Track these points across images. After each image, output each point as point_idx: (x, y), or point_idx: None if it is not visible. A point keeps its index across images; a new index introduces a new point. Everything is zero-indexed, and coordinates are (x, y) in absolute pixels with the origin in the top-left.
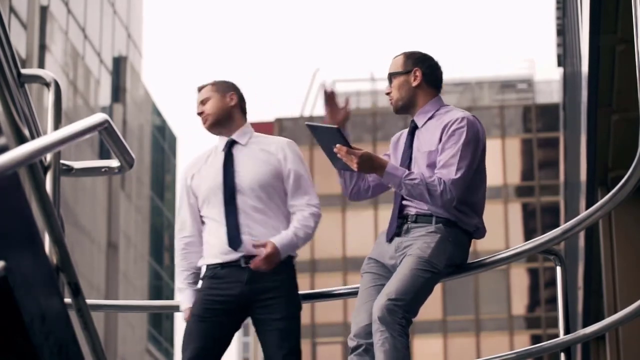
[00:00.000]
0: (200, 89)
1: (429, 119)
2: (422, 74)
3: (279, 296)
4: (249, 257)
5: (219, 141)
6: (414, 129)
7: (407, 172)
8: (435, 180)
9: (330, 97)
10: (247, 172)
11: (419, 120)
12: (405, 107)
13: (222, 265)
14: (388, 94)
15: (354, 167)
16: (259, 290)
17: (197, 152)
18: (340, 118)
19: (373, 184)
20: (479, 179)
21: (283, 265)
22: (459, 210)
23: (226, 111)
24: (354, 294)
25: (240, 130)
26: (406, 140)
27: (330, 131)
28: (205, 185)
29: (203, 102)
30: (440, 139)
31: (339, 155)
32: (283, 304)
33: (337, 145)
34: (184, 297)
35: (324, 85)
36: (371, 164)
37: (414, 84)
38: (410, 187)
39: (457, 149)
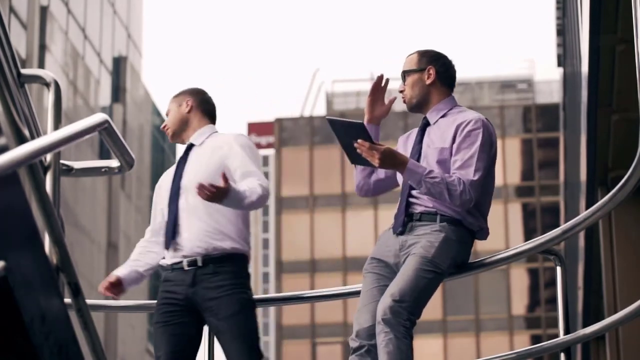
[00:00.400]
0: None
1: (442, 117)
2: (436, 72)
3: (219, 296)
4: (192, 260)
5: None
6: (425, 125)
7: (427, 169)
8: (455, 180)
9: (379, 87)
10: (193, 172)
11: (432, 117)
12: (419, 105)
13: (172, 267)
14: (402, 91)
15: (376, 162)
16: (201, 293)
17: None
18: (378, 114)
19: (382, 177)
20: (489, 182)
21: (224, 265)
22: (467, 210)
23: (182, 120)
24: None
25: (197, 133)
26: (416, 135)
27: (354, 126)
28: (160, 194)
29: (167, 116)
30: (454, 138)
31: (359, 150)
32: (224, 304)
33: (359, 140)
34: (120, 268)
35: (376, 76)
36: (393, 160)
37: (428, 81)
38: (430, 185)
39: (474, 150)
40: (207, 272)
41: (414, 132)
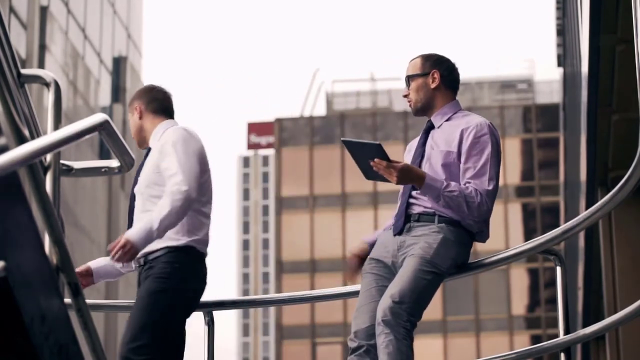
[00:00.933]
0: None
1: (446, 120)
2: (440, 76)
3: (142, 288)
4: (144, 260)
5: None
6: (429, 128)
7: (445, 183)
8: (472, 191)
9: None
10: (141, 177)
11: (436, 120)
12: (424, 109)
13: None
14: (406, 96)
15: (394, 180)
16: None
17: None
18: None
19: None
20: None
21: (155, 262)
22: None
23: (138, 128)
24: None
25: (152, 135)
26: (420, 138)
27: (371, 147)
28: None
29: None
30: (460, 142)
31: (375, 168)
32: (141, 291)
33: (376, 159)
34: (98, 259)
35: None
36: (410, 176)
37: (433, 85)
38: (448, 198)
39: (486, 157)
40: (146, 270)
41: (414, 142)
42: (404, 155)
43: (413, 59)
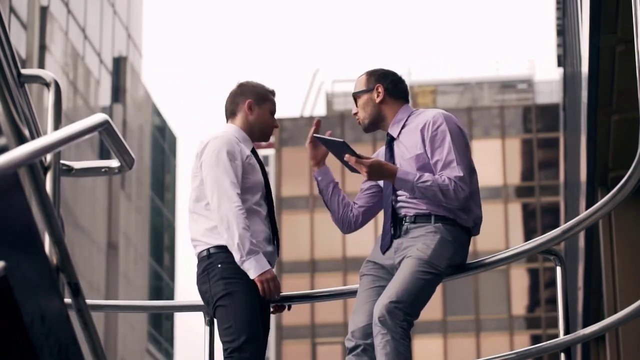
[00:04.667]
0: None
1: (403, 127)
2: (385, 89)
3: None
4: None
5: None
6: (390, 141)
7: (417, 175)
8: (444, 179)
9: (316, 131)
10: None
11: (394, 131)
12: (374, 124)
13: None
14: (355, 114)
15: (364, 175)
16: None
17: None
18: (320, 156)
19: (362, 210)
20: (469, 168)
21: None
22: (460, 208)
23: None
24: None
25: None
26: (385, 154)
27: (336, 144)
28: None
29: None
30: (423, 140)
31: (349, 164)
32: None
33: (346, 155)
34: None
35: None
36: (381, 171)
37: (378, 100)
38: (423, 189)
39: (447, 146)
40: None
41: (380, 152)
42: None
43: (359, 76)
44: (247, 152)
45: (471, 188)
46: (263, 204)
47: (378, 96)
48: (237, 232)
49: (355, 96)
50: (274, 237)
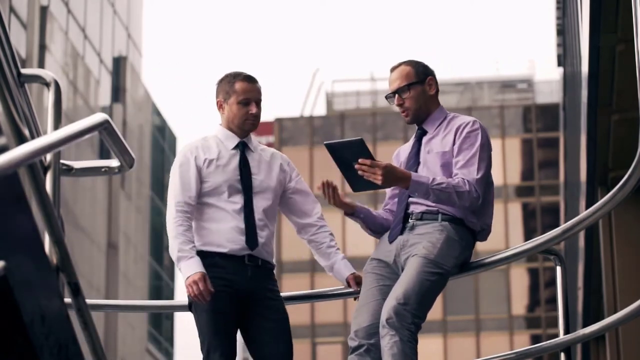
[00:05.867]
0: None
1: (438, 125)
2: (436, 83)
3: (276, 298)
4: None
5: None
6: (421, 135)
7: (431, 178)
8: (459, 181)
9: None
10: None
11: (430, 127)
12: (422, 117)
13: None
14: (401, 105)
15: (379, 179)
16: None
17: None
18: (348, 205)
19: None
20: (488, 181)
21: (272, 273)
22: (472, 210)
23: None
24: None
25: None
26: (412, 147)
27: (353, 145)
28: None
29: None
30: (454, 140)
31: (360, 172)
32: (280, 304)
33: (360, 160)
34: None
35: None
36: (395, 175)
37: (431, 92)
38: (438, 192)
39: (475, 150)
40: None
41: (404, 147)
42: (392, 161)
43: (397, 66)
44: (213, 154)
45: (487, 198)
46: (235, 200)
47: (431, 88)
48: (171, 242)
49: (409, 87)
50: (250, 229)
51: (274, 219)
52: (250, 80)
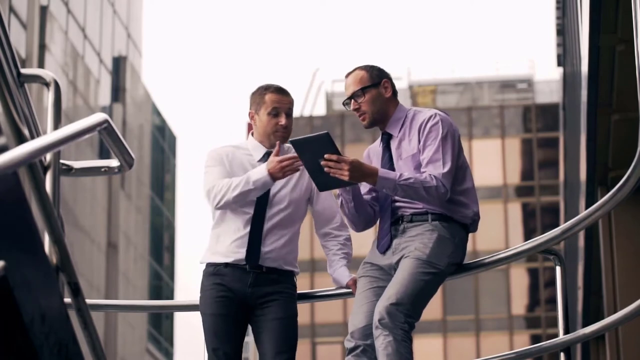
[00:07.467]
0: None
1: (402, 126)
2: (391, 85)
3: (277, 300)
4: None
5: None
6: (388, 139)
7: (398, 174)
8: (427, 177)
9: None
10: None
11: (393, 129)
12: (379, 120)
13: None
14: (357, 109)
15: (345, 175)
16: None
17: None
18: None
19: (376, 209)
20: (463, 166)
21: (282, 277)
22: (454, 202)
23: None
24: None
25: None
26: (383, 153)
27: (318, 139)
28: None
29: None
30: (419, 139)
31: (326, 169)
32: (281, 306)
33: (326, 156)
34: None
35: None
36: (362, 171)
37: (387, 95)
38: (405, 187)
39: (437, 144)
40: None
41: (372, 148)
42: (364, 160)
43: (352, 71)
44: (243, 159)
45: (467, 184)
46: (247, 210)
47: (386, 91)
48: (230, 194)
49: (363, 91)
50: (253, 239)
51: (296, 223)
52: (280, 91)
